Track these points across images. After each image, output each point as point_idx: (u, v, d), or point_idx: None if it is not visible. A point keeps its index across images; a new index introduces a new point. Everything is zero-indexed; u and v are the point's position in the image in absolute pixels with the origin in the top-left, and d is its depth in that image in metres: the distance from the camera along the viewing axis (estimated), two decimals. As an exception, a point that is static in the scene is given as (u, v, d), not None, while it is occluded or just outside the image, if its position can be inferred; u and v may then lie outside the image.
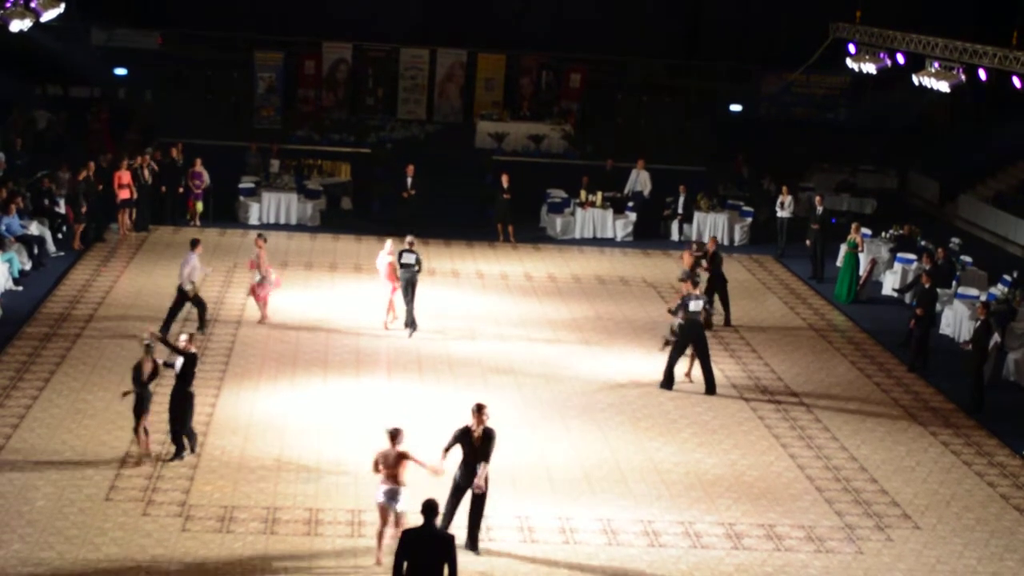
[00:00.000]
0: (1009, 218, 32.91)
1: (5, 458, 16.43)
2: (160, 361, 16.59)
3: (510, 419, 18.35)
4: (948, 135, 37.90)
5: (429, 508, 12.10)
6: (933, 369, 22.53)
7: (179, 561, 14.09)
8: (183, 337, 16.82)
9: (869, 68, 30.69)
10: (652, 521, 15.91)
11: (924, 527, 16.34)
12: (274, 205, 30.75)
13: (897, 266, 27.80)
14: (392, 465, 14.11)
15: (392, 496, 14.10)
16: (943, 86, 27.24)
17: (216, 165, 30.25)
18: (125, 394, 16.72)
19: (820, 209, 28.54)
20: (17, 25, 24.87)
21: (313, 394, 19.56)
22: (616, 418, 19.30)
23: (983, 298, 23.74)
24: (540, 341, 22.91)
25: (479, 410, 14.56)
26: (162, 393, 16.80)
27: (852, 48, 31.20)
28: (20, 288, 23.83)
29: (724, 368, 21.87)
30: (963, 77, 26.76)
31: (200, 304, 21.95)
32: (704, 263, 24.27)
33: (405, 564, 11.86)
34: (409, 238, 22.83)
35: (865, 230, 28.65)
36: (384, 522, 14.21)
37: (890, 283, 27.90)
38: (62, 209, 27.76)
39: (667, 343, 21.18)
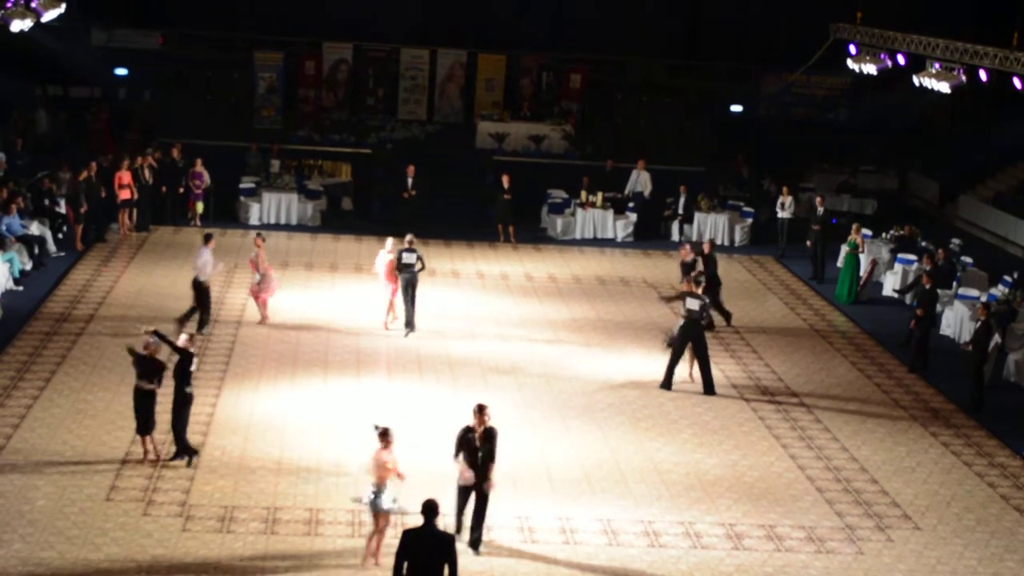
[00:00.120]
0: (1009, 219, 32.91)
1: (6, 458, 16.43)
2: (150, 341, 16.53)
3: (510, 419, 18.33)
4: (948, 136, 37.91)
5: (429, 508, 12.10)
6: (933, 370, 22.53)
7: (179, 561, 14.09)
8: (183, 337, 16.82)
9: (870, 69, 30.70)
10: (652, 521, 15.91)
11: (925, 528, 16.34)
12: (274, 205, 30.75)
13: (897, 267, 27.80)
14: (381, 465, 14.11)
15: (378, 495, 14.09)
16: (944, 87, 27.25)
17: (216, 165, 30.25)
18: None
19: (821, 210, 28.54)
20: (18, 25, 24.89)
21: (313, 394, 19.56)
22: (616, 418, 19.30)
23: (983, 299, 23.74)
24: (540, 341, 22.92)
25: (480, 411, 14.56)
26: (164, 394, 16.75)
27: (853, 49, 31.21)
28: (21, 288, 23.84)
29: (724, 368, 21.88)
30: (964, 78, 26.77)
31: (206, 303, 21.99)
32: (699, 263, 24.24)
33: (405, 564, 11.86)
34: (409, 237, 22.82)
35: (865, 231, 28.66)
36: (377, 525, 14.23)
37: (890, 284, 27.91)
38: (63, 209, 27.76)
39: (669, 343, 21.15)
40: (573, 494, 16.52)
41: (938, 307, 24.50)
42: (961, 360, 21.77)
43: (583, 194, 31.52)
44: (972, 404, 20.73)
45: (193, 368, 16.42)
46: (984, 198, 35.04)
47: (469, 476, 14.47)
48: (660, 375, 20.85)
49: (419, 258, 22.53)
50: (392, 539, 13.58)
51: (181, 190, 29.85)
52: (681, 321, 20.68)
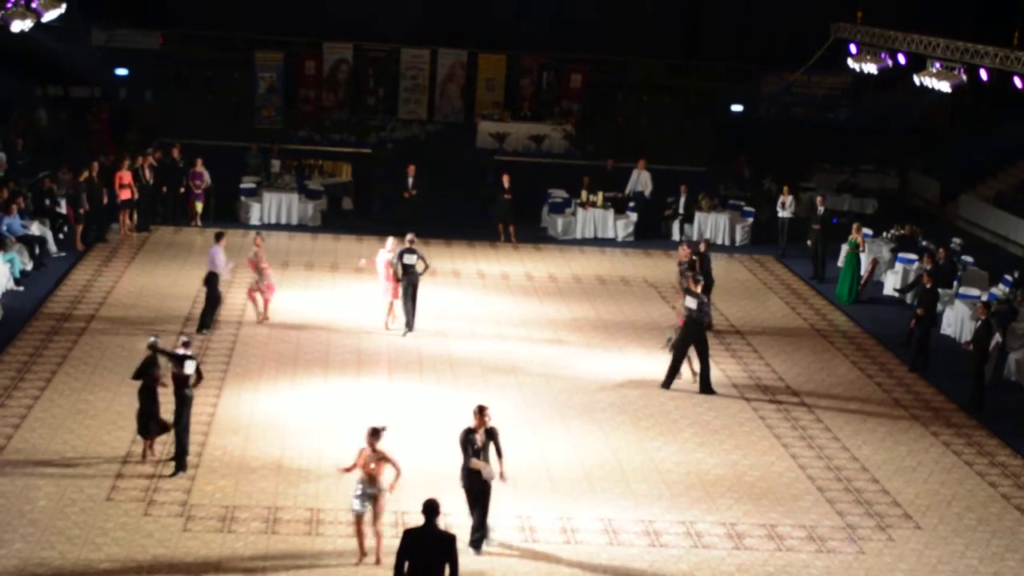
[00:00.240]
0: (1010, 218, 32.90)
1: (7, 458, 16.43)
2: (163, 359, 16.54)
3: (511, 419, 18.32)
4: (949, 135, 37.92)
5: (430, 508, 12.09)
6: (934, 369, 22.52)
7: (180, 561, 14.09)
8: (182, 340, 16.74)
9: (870, 68, 30.69)
10: (653, 521, 15.91)
11: (925, 527, 16.33)
12: (275, 205, 30.76)
13: (898, 266, 27.80)
14: (372, 464, 14.10)
15: (367, 494, 14.10)
16: (944, 86, 27.24)
17: (217, 165, 30.25)
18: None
19: (821, 209, 28.54)
20: (18, 25, 24.89)
21: (314, 394, 19.56)
22: (617, 418, 19.30)
23: (984, 298, 23.74)
24: (541, 341, 22.91)
25: (480, 412, 14.56)
26: (166, 394, 16.75)
27: (853, 48, 31.20)
28: (21, 288, 23.84)
29: (725, 368, 21.88)
30: (964, 77, 26.77)
31: (210, 300, 22.02)
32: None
33: (406, 564, 11.86)
34: (410, 236, 22.80)
35: (866, 230, 28.65)
36: (361, 521, 14.24)
37: (891, 283, 27.91)
38: (63, 209, 27.77)
39: (670, 345, 21.11)
40: (574, 494, 16.52)
41: (939, 306, 24.49)
42: (962, 359, 21.75)
43: (584, 194, 31.53)
44: (973, 403, 20.72)
45: (190, 371, 16.35)
46: (985, 197, 35.03)
47: (491, 471, 14.49)
48: (661, 374, 20.84)
49: (420, 258, 22.52)
50: (392, 539, 13.61)
51: (182, 190, 29.86)
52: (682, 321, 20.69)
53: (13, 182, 27.25)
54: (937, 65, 27.45)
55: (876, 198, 35.94)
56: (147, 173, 28.77)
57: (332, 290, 25.40)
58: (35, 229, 26.07)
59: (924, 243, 28.34)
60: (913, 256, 27.48)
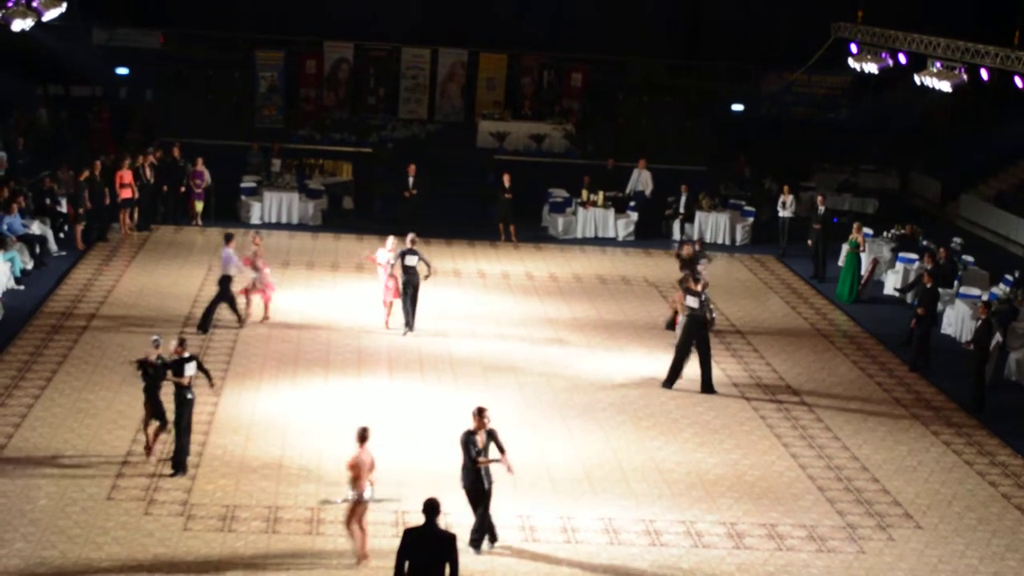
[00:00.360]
0: (1011, 217, 32.91)
1: (7, 457, 16.44)
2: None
3: (511, 419, 18.35)
4: (949, 135, 37.91)
5: (430, 507, 12.10)
6: (935, 369, 22.52)
7: (181, 560, 14.10)
8: (172, 343, 16.65)
9: (871, 68, 30.69)
10: (654, 520, 15.91)
11: (926, 527, 16.34)
12: (276, 204, 30.76)
13: (899, 266, 27.80)
14: (361, 466, 14.13)
15: (360, 495, 14.14)
16: (945, 86, 27.24)
17: (217, 164, 30.25)
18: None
19: (822, 209, 28.55)
20: (19, 25, 24.89)
21: (314, 394, 19.56)
22: (617, 417, 19.30)
23: (984, 298, 23.73)
24: (541, 340, 22.91)
25: (480, 413, 14.58)
26: (168, 394, 16.75)
27: (854, 48, 31.20)
28: (22, 287, 23.85)
29: (726, 367, 21.88)
30: (965, 77, 26.77)
31: (219, 302, 22.02)
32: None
33: (407, 563, 11.87)
34: (411, 236, 22.79)
35: (867, 230, 28.65)
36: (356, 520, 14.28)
37: (892, 283, 27.90)
38: (64, 208, 27.77)
39: (670, 324, 21.01)
40: (574, 493, 16.52)
41: (939, 306, 24.50)
42: (962, 359, 21.77)
43: (584, 193, 31.53)
44: (973, 403, 20.72)
45: (190, 374, 16.34)
46: (985, 197, 35.04)
47: (509, 461, 14.53)
48: (661, 374, 20.85)
49: (422, 260, 22.48)
50: (393, 538, 13.63)
51: (182, 189, 29.86)
52: (683, 320, 20.70)
53: (14, 181, 27.25)
54: (938, 65, 27.46)
55: (877, 198, 35.95)
56: (148, 172, 28.77)
57: (333, 290, 25.40)
58: (36, 228, 26.08)
59: (925, 243, 28.33)
60: (914, 256, 27.48)
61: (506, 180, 29.96)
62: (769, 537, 15.70)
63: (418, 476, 16.24)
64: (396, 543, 12.16)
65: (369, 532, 14.47)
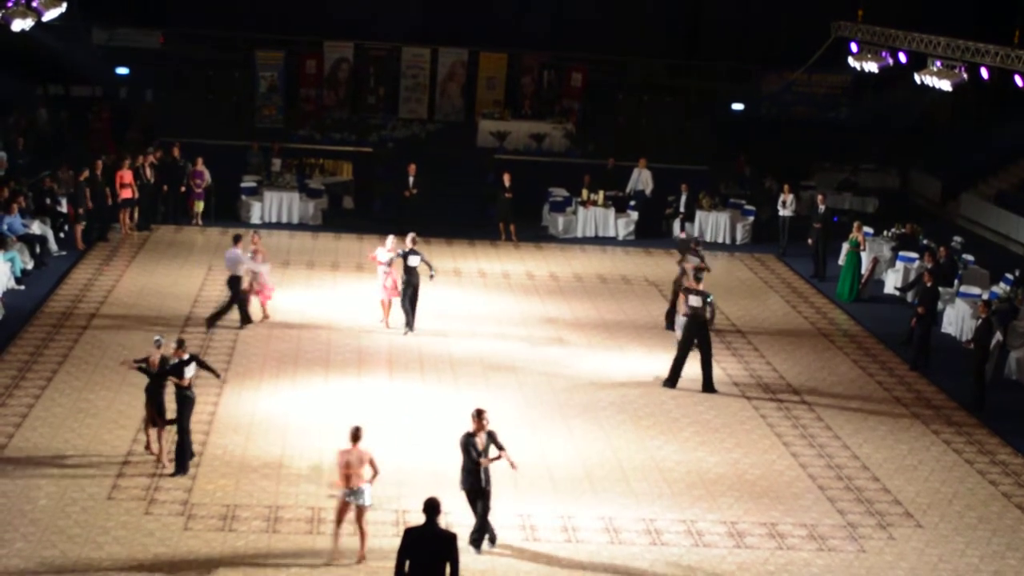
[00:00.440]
0: (1011, 216, 32.90)
1: (8, 457, 16.44)
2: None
3: (511, 418, 18.36)
4: (950, 134, 37.90)
5: (431, 507, 12.10)
6: (935, 368, 22.52)
7: (182, 560, 14.10)
8: (171, 346, 16.65)
9: (871, 67, 30.69)
10: (654, 520, 15.91)
11: (926, 526, 16.34)
12: (276, 204, 30.76)
13: (899, 265, 27.80)
14: (356, 465, 14.12)
15: (354, 492, 14.13)
16: (945, 85, 27.25)
17: (217, 164, 30.25)
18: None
19: (822, 208, 28.55)
20: (19, 25, 24.90)
21: (315, 393, 19.56)
22: (618, 417, 19.30)
23: (985, 296, 23.74)
24: (542, 340, 22.91)
25: (479, 415, 14.59)
26: (168, 394, 16.75)
27: (854, 47, 31.20)
28: (22, 287, 23.85)
29: (726, 367, 21.88)
30: (965, 76, 26.77)
31: (232, 304, 22.02)
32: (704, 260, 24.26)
33: (407, 563, 11.87)
34: (411, 236, 22.78)
35: (867, 229, 28.65)
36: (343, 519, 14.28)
37: (892, 282, 27.90)
38: (64, 208, 27.77)
39: (670, 324, 21.03)
40: (575, 493, 16.52)
41: (939, 305, 24.50)
42: (963, 358, 21.76)
43: (584, 192, 31.53)
44: (973, 402, 20.72)
45: (191, 374, 16.33)
46: (986, 196, 35.04)
47: (512, 459, 14.56)
48: (662, 373, 20.85)
49: (424, 261, 22.46)
50: (393, 538, 13.63)
51: (183, 189, 29.86)
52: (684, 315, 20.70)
53: (14, 181, 27.25)
54: (938, 64, 27.46)
55: (877, 197, 35.93)
56: (148, 172, 28.77)
57: (333, 289, 25.40)
58: (36, 228, 26.08)
59: (925, 242, 28.32)
60: (914, 255, 27.47)
61: (506, 179, 29.96)
62: (769, 536, 15.70)
63: (418, 476, 16.25)
64: (396, 543, 12.17)
65: (369, 533, 14.46)
